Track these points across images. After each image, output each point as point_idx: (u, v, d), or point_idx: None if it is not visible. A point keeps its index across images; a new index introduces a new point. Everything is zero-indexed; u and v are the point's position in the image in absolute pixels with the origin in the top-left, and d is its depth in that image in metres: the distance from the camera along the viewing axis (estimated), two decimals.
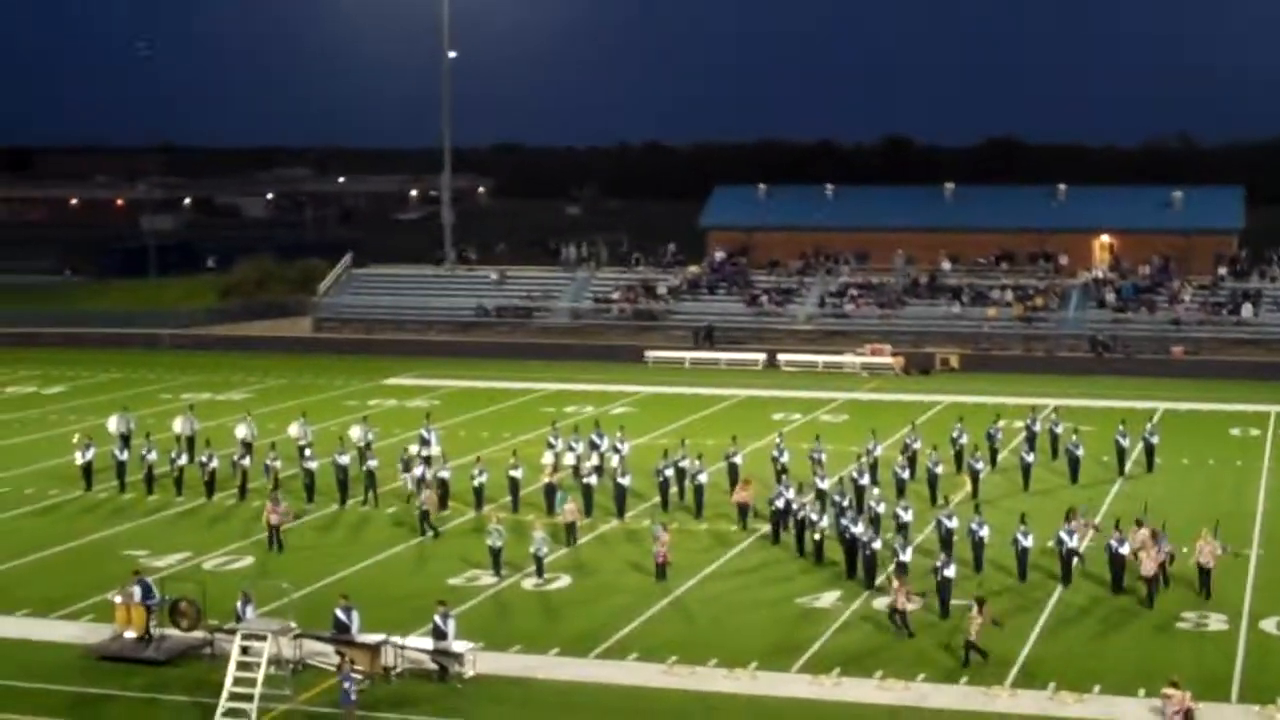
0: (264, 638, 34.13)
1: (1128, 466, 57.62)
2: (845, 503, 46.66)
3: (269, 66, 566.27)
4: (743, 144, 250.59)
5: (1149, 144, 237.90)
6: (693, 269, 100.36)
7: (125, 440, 57.53)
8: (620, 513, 50.60)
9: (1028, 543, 43.35)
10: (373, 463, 53.57)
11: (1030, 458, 55.44)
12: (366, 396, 76.63)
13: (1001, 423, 60.16)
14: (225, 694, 33.14)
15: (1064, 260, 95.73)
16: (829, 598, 41.80)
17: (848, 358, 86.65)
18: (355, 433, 57.31)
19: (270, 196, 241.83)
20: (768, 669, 36.32)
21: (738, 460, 53.79)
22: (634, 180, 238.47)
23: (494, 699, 34.52)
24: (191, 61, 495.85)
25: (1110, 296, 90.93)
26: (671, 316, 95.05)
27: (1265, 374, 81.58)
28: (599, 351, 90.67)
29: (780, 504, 47.61)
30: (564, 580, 43.81)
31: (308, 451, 54.88)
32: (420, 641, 36.44)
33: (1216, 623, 39.71)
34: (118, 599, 37.89)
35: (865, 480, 51.20)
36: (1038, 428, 58.98)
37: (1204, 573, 41.93)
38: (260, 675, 33.28)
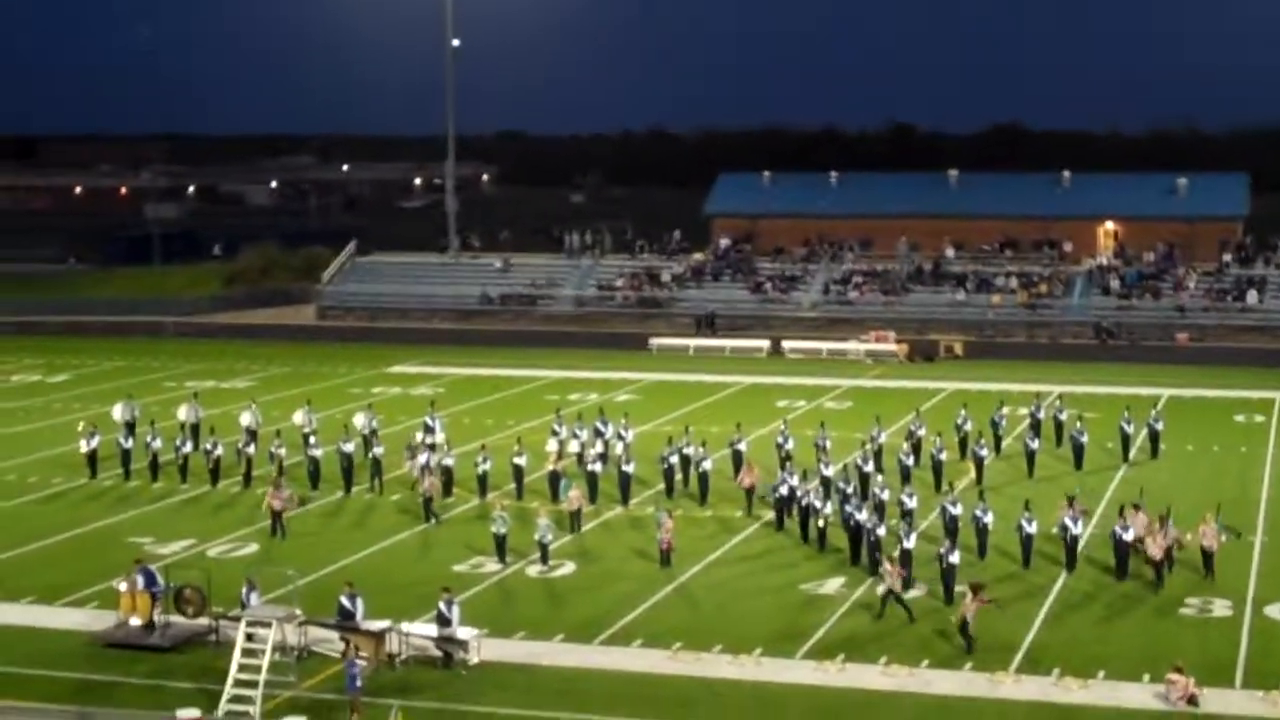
0: (269, 624, 34.21)
1: (1132, 453, 57.63)
2: (850, 489, 46.72)
3: (273, 54, 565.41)
4: (747, 131, 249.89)
5: (1154, 131, 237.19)
6: (697, 256, 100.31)
7: (130, 428, 57.57)
8: (625, 500, 50.65)
9: (1032, 529, 43.40)
10: (378, 450, 53.63)
11: (1035, 444, 55.47)
12: (371, 384, 76.67)
13: (1006, 409, 60.16)
14: (230, 680, 33.19)
15: (1068, 247, 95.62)
16: (833, 584, 41.84)
17: (852, 345, 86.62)
18: (359, 420, 57.38)
19: (274, 184, 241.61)
20: (772, 655, 36.37)
21: (742, 447, 53.80)
22: (638, 167, 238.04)
23: (498, 685, 34.56)
24: (195, 50, 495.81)
25: (1115, 283, 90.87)
26: (676, 304, 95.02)
27: (1270, 360, 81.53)
28: (603, 339, 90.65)
29: (784, 491, 47.66)
30: (568, 567, 43.85)
31: (312, 439, 54.91)
32: (425, 628, 36.48)
33: (1221, 608, 39.73)
34: (123, 586, 37.94)
35: (870, 467, 51.26)
36: (1042, 414, 58.96)
37: (1207, 555, 42.14)
38: (265, 662, 33.33)
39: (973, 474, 53.37)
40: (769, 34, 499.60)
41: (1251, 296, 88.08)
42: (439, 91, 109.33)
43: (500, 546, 44.06)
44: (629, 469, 51.02)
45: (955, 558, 40.41)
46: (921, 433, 55.68)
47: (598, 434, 55.85)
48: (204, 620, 37.29)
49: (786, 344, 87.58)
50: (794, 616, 39.33)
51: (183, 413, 59.68)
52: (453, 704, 33.47)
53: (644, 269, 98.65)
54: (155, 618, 37.42)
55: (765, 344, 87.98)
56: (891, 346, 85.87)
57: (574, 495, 47.96)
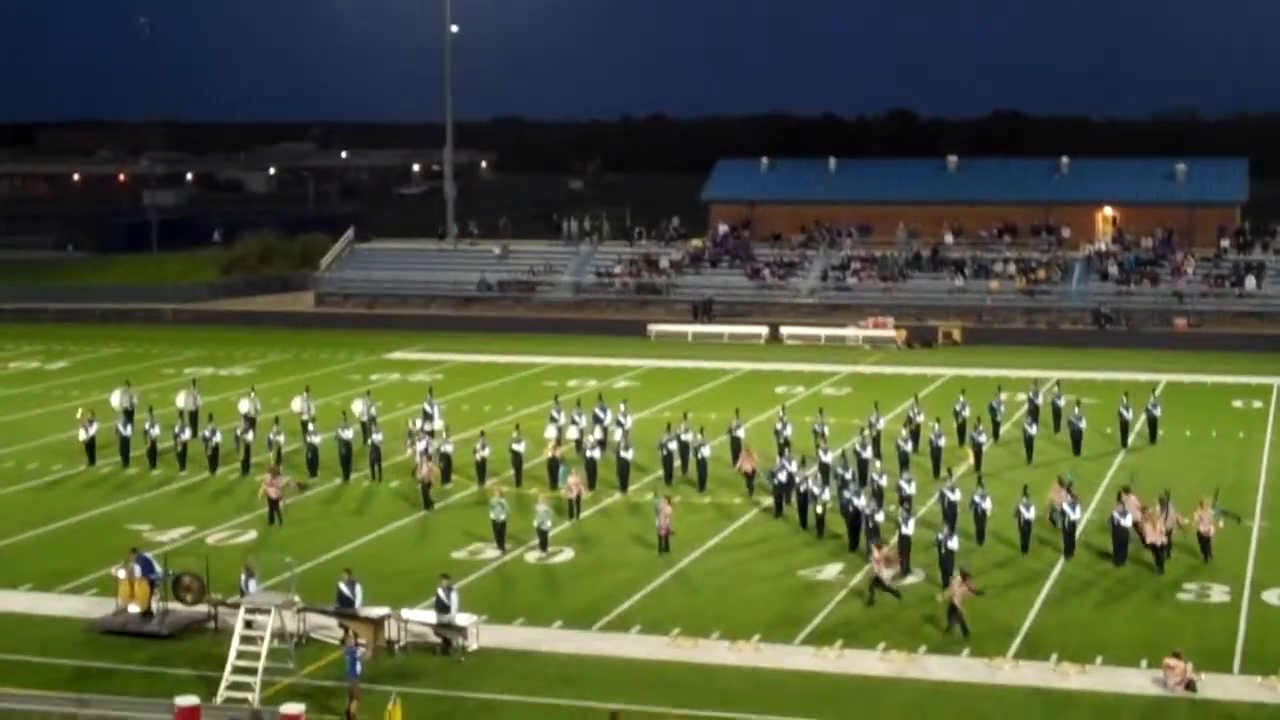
0: (268, 611, 34.18)
1: (1131, 439, 57.64)
2: (848, 475, 46.72)
3: (272, 41, 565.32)
4: (746, 117, 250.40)
5: (1153, 117, 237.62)
6: (695, 243, 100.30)
7: (128, 415, 57.56)
8: (623, 486, 50.65)
9: (1030, 514, 43.44)
10: (377, 437, 53.62)
11: (1033, 430, 55.50)
12: (369, 371, 76.67)
13: (1004, 395, 60.15)
14: (229, 668, 33.18)
15: (1067, 233, 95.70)
16: (831, 570, 41.84)
17: (850, 331, 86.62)
18: (358, 407, 57.39)
19: (273, 171, 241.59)
20: (771, 641, 36.38)
21: (740, 434, 53.81)
22: (637, 154, 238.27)
23: (497, 672, 34.57)
24: (194, 37, 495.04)
25: (1113, 269, 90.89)
26: (674, 290, 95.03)
27: (1268, 346, 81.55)
28: (601, 325, 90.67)
29: (783, 477, 47.67)
30: (567, 553, 43.85)
31: (311, 426, 54.89)
32: (423, 615, 36.47)
33: (1219, 594, 39.75)
34: (121, 573, 37.93)
35: (868, 453, 51.25)
36: (1040, 400, 58.99)
37: (1204, 540, 42.32)
38: (264, 649, 33.30)
39: (971, 460, 53.38)
40: (768, 20, 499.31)
41: (1250, 282, 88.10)
42: (437, 78, 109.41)
43: (499, 533, 44.06)
44: (628, 455, 51.02)
45: (954, 543, 40.40)
46: (920, 419, 55.69)
47: (596, 420, 55.86)
48: (203, 607, 37.29)
49: (785, 330, 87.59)
50: (792, 602, 39.33)
51: (181, 400, 59.65)
52: (451, 690, 33.48)
53: (642, 255, 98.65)
54: (154, 605, 37.41)
55: (764, 330, 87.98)
56: (890, 333, 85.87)
57: (573, 481, 47.95)
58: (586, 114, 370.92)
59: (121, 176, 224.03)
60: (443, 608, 35.96)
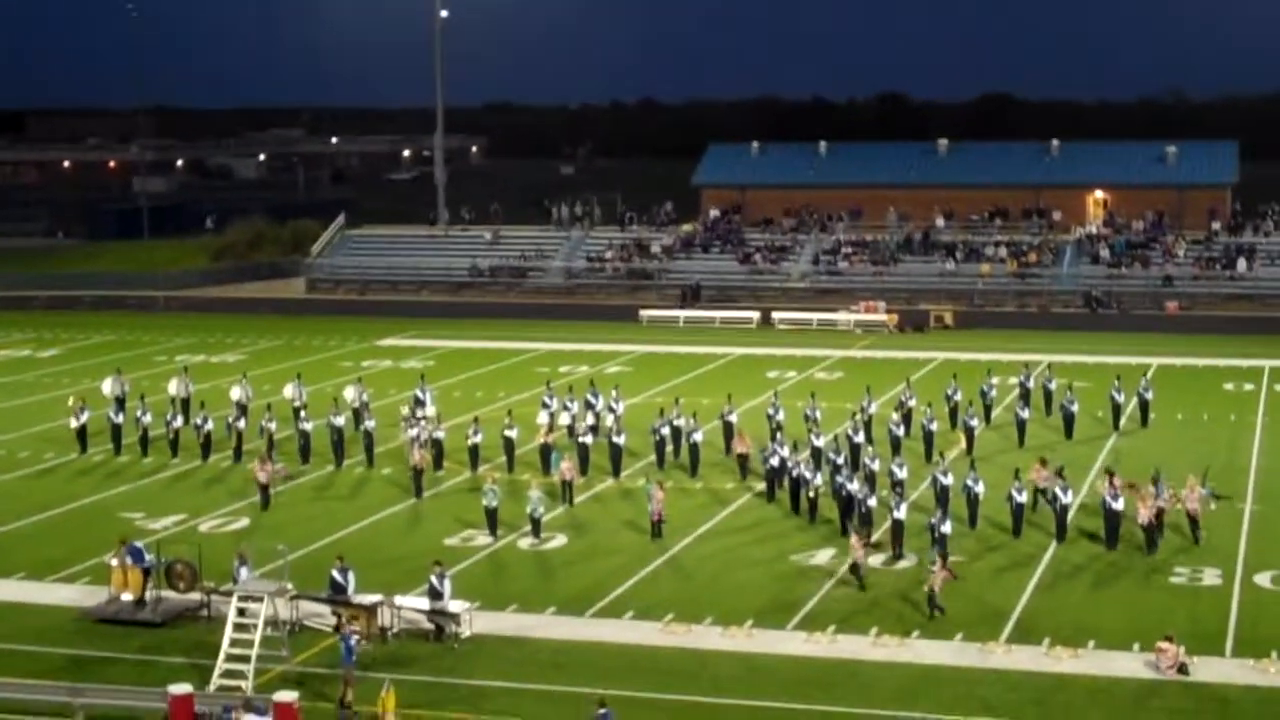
0: (260, 599, 34.19)
1: (1122, 422, 57.71)
2: (840, 460, 46.72)
3: (262, 27, 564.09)
4: (736, 101, 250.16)
5: (1143, 99, 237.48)
6: (685, 228, 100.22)
7: (120, 403, 57.48)
8: (616, 472, 50.67)
9: (1022, 498, 43.50)
10: (369, 423, 53.58)
11: (1025, 414, 55.56)
12: (361, 357, 76.64)
13: (995, 379, 60.19)
14: (222, 655, 33.19)
15: (1058, 216, 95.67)
16: (824, 555, 41.88)
17: (842, 315, 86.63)
18: (350, 394, 57.34)
19: (263, 157, 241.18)
20: (763, 627, 36.43)
21: (733, 419, 53.84)
22: (627, 139, 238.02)
23: (490, 658, 34.60)
24: (184, 22, 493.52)
25: (1104, 252, 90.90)
26: (665, 275, 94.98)
27: (1259, 329, 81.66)
28: (593, 311, 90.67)
29: (775, 462, 47.70)
30: (560, 539, 43.88)
31: (302, 413, 54.86)
32: (417, 601, 36.50)
33: (1211, 577, 39.82)
34: (114, 562, 37.91)
35: (860, 438, 51.23)
36: (1031, 384, 59.05)
37: (1192, 519, 42.58)
38: (257, 636, 33.33)
39: (963, 444, 53.42)
40: (757, 3, 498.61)
41: (1241, 265, 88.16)
42: (427, 63, 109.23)
43: (492, 519, 44.07)
44: (620, 441, 51.04)
45: (947, 527, 40.49)
46: (912, 403, 55.72)
47: (588, 406, 55.85)
48: (195, 595, 37.30)
49: (776, 315, 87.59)
50: (785, 588, 39.38)
51: (173, 387, 59.59)
52: (444, 677, 33.52)
53: (634, 240, 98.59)
54: (147, 593, 37.41)
55: (755, 315, 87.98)
56: (881, 317, 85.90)
57: (565, 467, 47.97)
58: (577, 99, 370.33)
59: (112, 163, 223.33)
60: (436, 594, 35.99)
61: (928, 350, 76.61)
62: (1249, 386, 66.48)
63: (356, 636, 33.29)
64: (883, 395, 59.85)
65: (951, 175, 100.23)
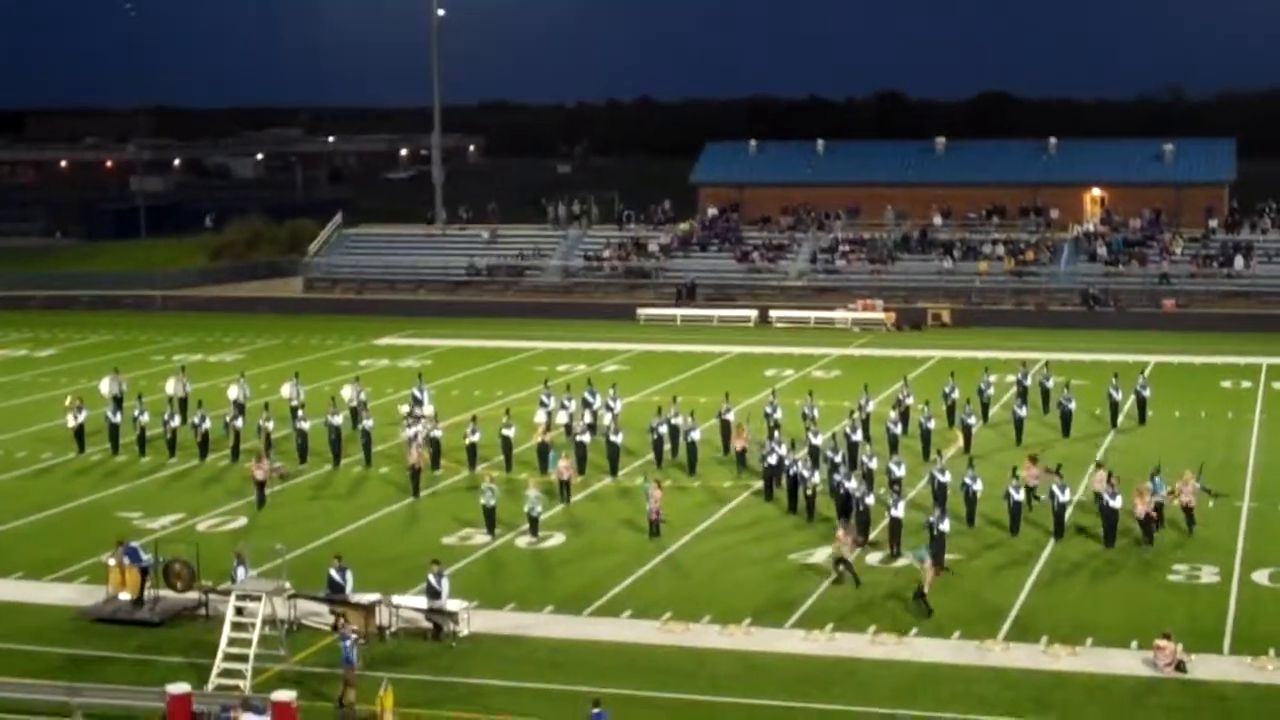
0: (258, 598, 34.17)
1: (1120, 420, 57.72)
2: (838, 458, 46.73)
3: (259, 27, 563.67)
4: (734, 100, 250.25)
5: (1140, 97, 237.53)
6: (683, 226, 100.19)
7: (118, 402, 57.45)
8: (613, 470, 50.67)
9: (1020, 496, 43.50)
10: (367, 422, 53.56)
11: (1022, 412, 55.57)
12: (358, 356, 76.63)
13: (992, 377, 60.19)
14: (220, 655, 33.18)
15: (1055, 214, 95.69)
16: (822, 553, 41.83)
17: (839, 314, 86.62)
18: (347, 393, 57.33)
19: (260, 157, 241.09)
20: (761, 625, 36.43)
21: (730, 417, 53.84)
22: (624, 137, 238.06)
23: (488, 657, 34.60)
24: (182, 22, 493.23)
25: (1102, 250, 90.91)
26: (663, 274, 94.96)
27: (1256, 326, 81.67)
28: (591, 309, 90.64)
29: (773, 460, 47.70)
30: (557, 538, 43.87)
31: (300, 412, 54.83)
32: (415, 600, 36.51)
33: (1208, 575, 39.83)
34: (111, 561, 37.91)
35: (858, 436, 51.23)
36: (1028, 382, 59.07)
37: (1187, 512, 42.89)
38: (255, 636, 33.32)
39: (961, 442, 53.42)
40: (755, 2, 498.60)
41: (1238, 262, 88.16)
42: (425, 63, 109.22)
43: (489, 518, 44.06)
44: (617, 439, 51.04)
45: (946, 525, 40.48)
46: (909, 401, 55.71)
47: (586, 405, 55.85)
48: (193, 595, 37.30)
49: (774, 313, 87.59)
50: (783, 586, 39.38)
51: (170, 386, 59.55)
52: (443, 676, 33.52)
53: (631, 239, 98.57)
54: (145, 593, 37.40)
55: (753, 313, 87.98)
56: (879, 315, 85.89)
57: (563, 466, 47.97)
58: (574, 97, 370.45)
59: (109, 163, 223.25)
60: (433, 593, 35.99)
61: (925, 348, 76.62)
62: (1246, 384, 66.50)
63: (354, 636, 33.24)
64: (880, 393, 59.85)
65: (949, 174, 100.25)
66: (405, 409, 55.74)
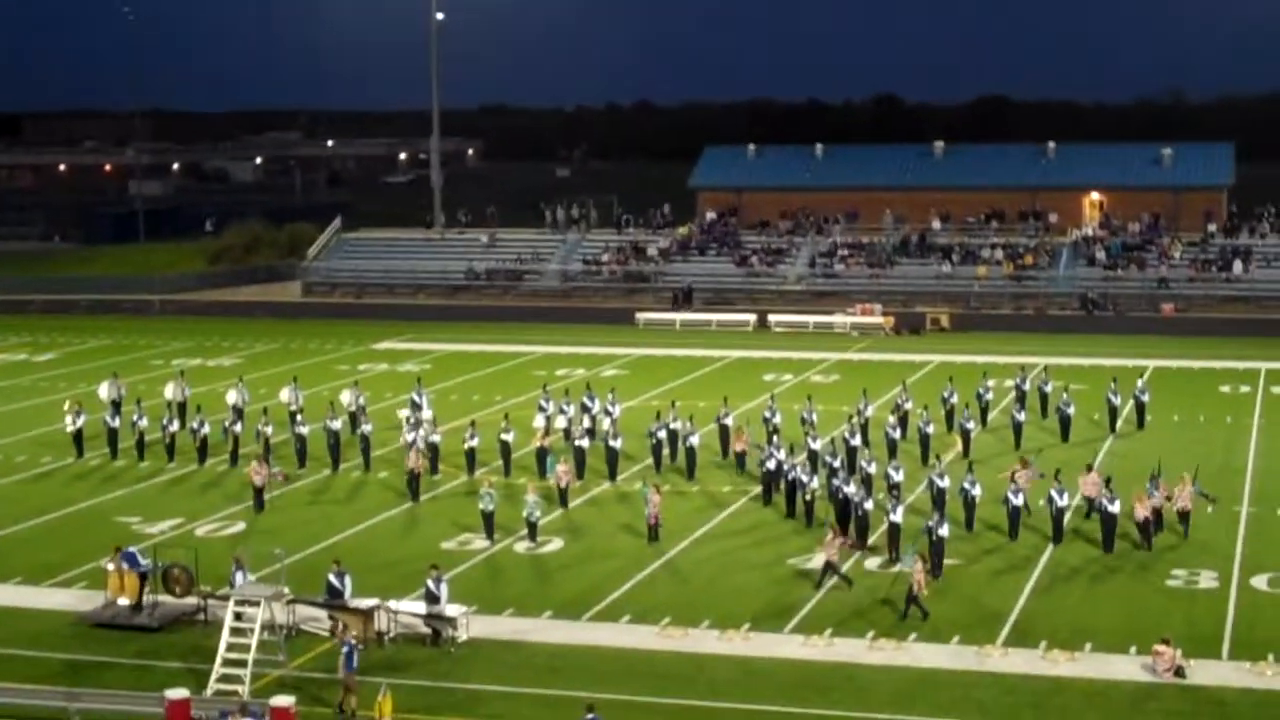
0: (257, 603, 34.15)
1: (1119, 424, 57.72)
2: (837, 463, 46.73)
3: (258, 30, 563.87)
4: (732, 104, 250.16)
5: (1139, 101, 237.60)
6: (682, 230, 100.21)
7: (116, 407, 57.40)
8: (612, 475, 50.65)
9: (1019, 501, 43.49)
10: (366, 427, 53.54)
11: (1021, 416, 55.56)
12: (357, 361, 76.62)
13: (991, 381, 60.20)
14: (219, 660, 33.14)
15: (1054, 218, 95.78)
16: (821, 559, 41.80)
17: (838, 318, 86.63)
18: (346, 397, 57.30)
19: (259, 161, 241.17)
20: (760, 630, 36.41)
21: (729, 422, 53.85)
22: (623, 141, 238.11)
23: (487, 662, 34.58)
24: (180, 25, 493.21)
25: (1100, 254, 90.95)
26: (662, 278, 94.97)
27: (1255, 331, 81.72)
28: (589, 314, 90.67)
29: (771, 465, 47.69)
30: (556, 543, 43.86)
31: (299, 417, 54.81)
32: (413, 606, 36.48)
33: (1207, 580, 39.83)
34: (110, 566, 37.89)
35: (857, 440, 51.27)
36: (1027, 386, 59.07)
37: (1183, 516, 43.08)
38: (254, 641, 33.29)
39: (959, 447, 53.42)
40: (753, 5, 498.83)
41: (1237, 267, 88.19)
42: (423, 66, 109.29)
43: (488, 523, 44.05)
44: (616, 444, 51.02)
45: (944, 530, 40.46)
46: (908, 406, 55.71)
47: (585, 409, 55.85)
48: (192, 600, 37.27)
49: (773, 318, 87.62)
50: (782, 591, 39.38)
51: (169, 391, 59.55)
52: (441, 681, 33.50)
53: (630, 243, 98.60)
54: (143, 598, 37.38)
55: (751, 318, 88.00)
56: (878, 319, 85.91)
57: (561, 471, 47.95)
58: (573, 101, 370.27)
59: (108, 166, 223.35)
60: (432, 598, 35.97)
61: (924, 353, 76.64)
62: (1245, 388, 66.51)
63: (354, 643, 33.21)
64: (879, 398, 59.86)
65: (948, 177, 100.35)
66: (404, 414, 55.71)
